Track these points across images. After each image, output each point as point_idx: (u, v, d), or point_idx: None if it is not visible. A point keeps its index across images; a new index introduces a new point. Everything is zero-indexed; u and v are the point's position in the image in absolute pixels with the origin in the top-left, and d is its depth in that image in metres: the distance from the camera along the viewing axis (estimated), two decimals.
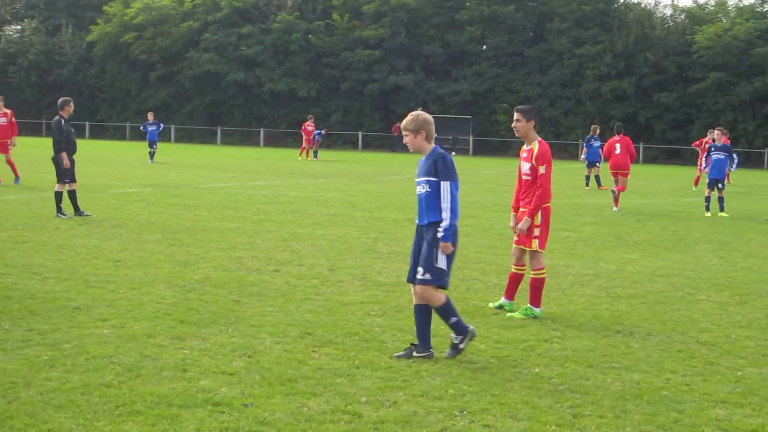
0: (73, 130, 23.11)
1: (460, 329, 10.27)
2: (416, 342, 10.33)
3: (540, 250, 12.90)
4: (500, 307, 13.12)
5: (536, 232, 12.87)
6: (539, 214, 12.84)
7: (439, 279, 10.11)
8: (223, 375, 9.28)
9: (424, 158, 10.20)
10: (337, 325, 11.69)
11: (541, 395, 8.96)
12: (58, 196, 22.47)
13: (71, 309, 12.04)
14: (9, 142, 32.50)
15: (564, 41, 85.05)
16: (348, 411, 8.25)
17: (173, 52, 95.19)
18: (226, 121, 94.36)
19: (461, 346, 10.28)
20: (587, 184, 41.00)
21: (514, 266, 13.26)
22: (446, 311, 10.26)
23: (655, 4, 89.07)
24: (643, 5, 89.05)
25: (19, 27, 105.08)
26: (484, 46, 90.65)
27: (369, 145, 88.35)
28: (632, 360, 10.49)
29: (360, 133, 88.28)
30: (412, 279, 10.32)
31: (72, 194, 22.66)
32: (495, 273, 16.17)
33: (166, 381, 8.99)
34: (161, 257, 16.62)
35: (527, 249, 12.97)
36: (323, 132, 65.33)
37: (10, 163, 32.18)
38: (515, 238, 13.20)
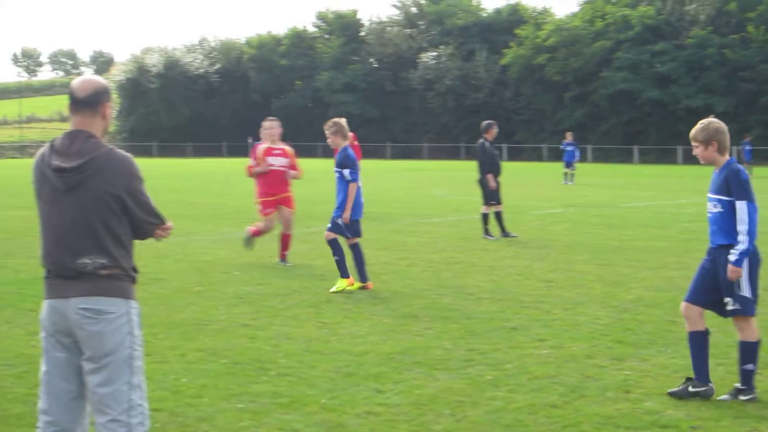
0: (497, 152, 23.53)
1: (751, 380, 9.04)
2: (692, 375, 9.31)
3: None
4: None
5: None
6: None
7: (748, 309, 9.03)
8: (667, 397, 9.10)
9: (716, 172, 9.24)
10: None
11: None
12: (485, 217, 22.92)
13: (508, 329, 12.21)
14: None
15: None
16: None
17: (586, 72, 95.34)
18: (642, 139, 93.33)
19: (741, 397, 8.98)
20: None
21: None
22: (754, 352, 9.09)
23: None
24: None
25: (435, 54, 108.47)
26: None
27: None
28: None
29: None
30: (691, 299, 9.32)
31: (498, 216, 23.07)
32: None
33: (609, 402, 8.92)
34: (592, 277, 16.58)
35: None
36: (747, 138, 60.89)
37: None
38: None
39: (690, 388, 9.13)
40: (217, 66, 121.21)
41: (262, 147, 18.67)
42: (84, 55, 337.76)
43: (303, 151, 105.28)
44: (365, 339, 11.66)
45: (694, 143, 9.25)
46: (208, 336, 11.80)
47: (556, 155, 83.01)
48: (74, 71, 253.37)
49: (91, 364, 5.89)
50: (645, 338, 11.65)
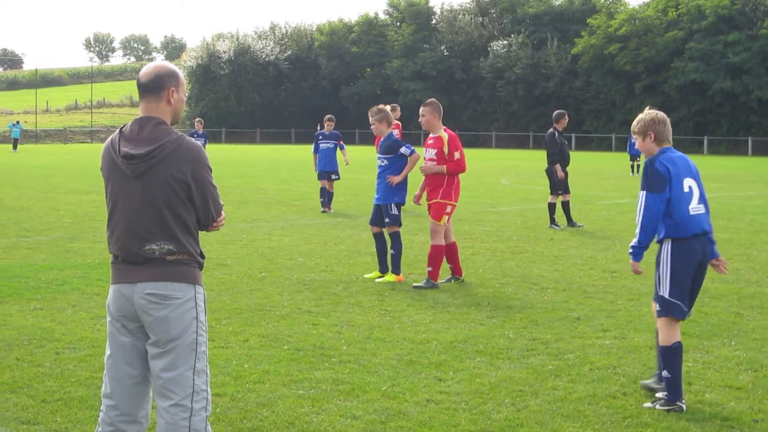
0: (566, 142, 23.41)
1: (671, 390, 8.45)
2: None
3: None
4: None
5: None
6: None
7: (665, 310, 8.56)
8: (730, 389, 9.06)
9: None
10: None
11: None
12: (552, 207, 22.83)
13: (571, 319, 12.17)
14: None
15: None
16: None
17: (658, 62, 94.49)
18: (712, 130, 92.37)
19: (656, 405, 8.47)
20: None
21: None
22: (667, 358, 8.53)
23: None
24: None
25: (506, 42, 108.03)
26: None
27: None
28: None
29: None
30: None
31: (565, 205, 22.97)
32: None
33: None
34: None
35: None
36: None
37: None
38: None
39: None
40: (288, 53, 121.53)
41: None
42: (156, 41, 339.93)
43: (370, 140, 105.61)
44: (428, 327, 11.69)
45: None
46: (271, 322, 11.88)
47: (624, 145, 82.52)
48: (146, 57, 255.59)
49: (156, 348, 5.94)
50: (709, 330, 11.56)
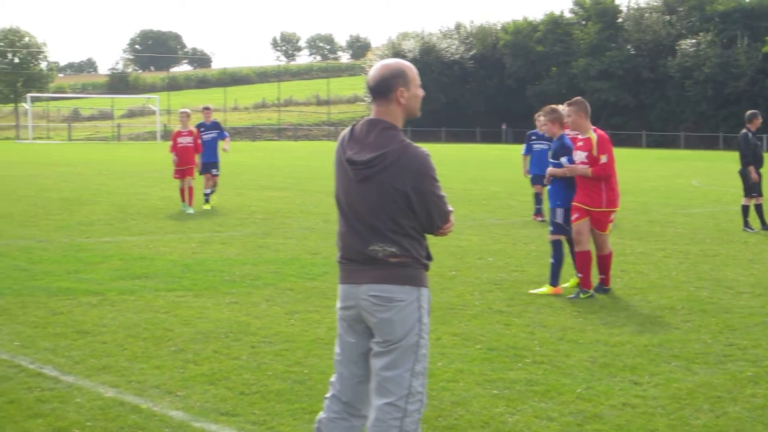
0: (759, 143, 22.82)
1: None
2: None
3: None
4: None
5: None
6: None
7: None
8: None
9: None
10: None
11: None
12: (745, 209, 22.30)
13: None
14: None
15: None
16: None
17: None
18: None
19: None
20: None
21: None
22: None
23: None
24: None
25: (694, 41, 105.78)
26: None
27: None
28: None
29: None
30: None
31: (758, 208, 22.40)
32: None
33: None
34: None
35: None
36: None
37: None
38: None
39: None
40: (473, 52, 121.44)
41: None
42: (341, 40, 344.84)
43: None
44: (621, 330, 11.54)
45: None
46: (462, 321, 11.90)
47: None
48: (331, 56, 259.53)
49: (379, 347, 5.93)
50: None
